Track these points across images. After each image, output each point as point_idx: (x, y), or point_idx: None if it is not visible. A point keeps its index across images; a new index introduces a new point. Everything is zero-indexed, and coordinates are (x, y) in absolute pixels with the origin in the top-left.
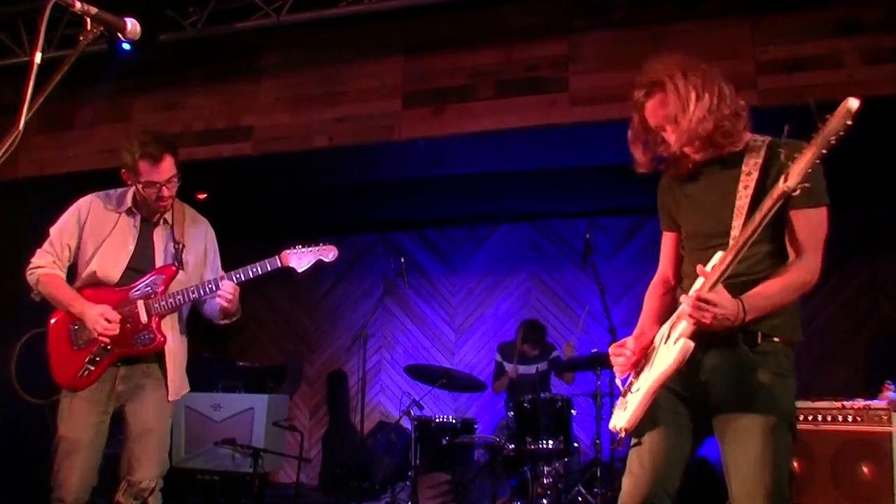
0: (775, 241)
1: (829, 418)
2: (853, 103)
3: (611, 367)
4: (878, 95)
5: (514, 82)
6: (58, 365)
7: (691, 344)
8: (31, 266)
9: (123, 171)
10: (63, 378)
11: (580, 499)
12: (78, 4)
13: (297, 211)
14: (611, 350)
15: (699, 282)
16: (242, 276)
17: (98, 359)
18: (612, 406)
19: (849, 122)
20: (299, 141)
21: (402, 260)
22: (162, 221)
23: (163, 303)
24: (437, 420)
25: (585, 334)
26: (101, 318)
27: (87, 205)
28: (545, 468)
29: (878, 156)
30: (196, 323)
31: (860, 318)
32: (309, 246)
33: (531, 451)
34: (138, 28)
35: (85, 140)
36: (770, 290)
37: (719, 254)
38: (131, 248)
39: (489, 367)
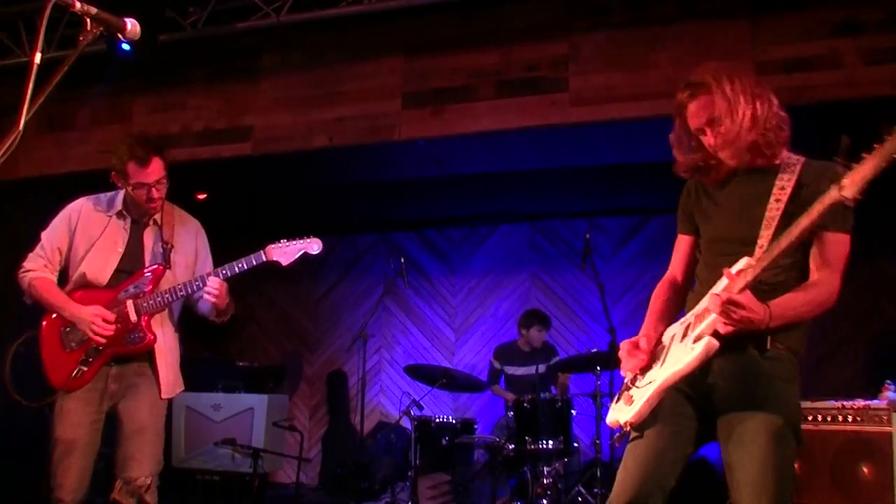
0: (796, 255)
1: (829, 418)
2: None
3: (611, 367)
4: (878, 95)
5: (513, 82)
6: (51, 367)
7: (716, 343)
8: (22, 270)
9: (113, 173)
10: (57, 380)
11: (580, 499)
12: (78, 4)
13: (297, 211)
14: (625, 349)
15: (722, 283)
16: (228, 271)
17: (90, 359)
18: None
19: None
20: (299, 141)
21: (402, 260)
22: (151, 222)
23: (151, 301)
24: (437, 420)
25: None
26: (97, 319)
27: (78, 208)
28: (545, 468)
29: None
30: (196, 324)
31: (860, 318)
32: (293, 240)
33: (531, 452)
34: (138, 28)
35: (85, 140)
36: (796, 303)
37: (745, 259)
38: (121, 250)
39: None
